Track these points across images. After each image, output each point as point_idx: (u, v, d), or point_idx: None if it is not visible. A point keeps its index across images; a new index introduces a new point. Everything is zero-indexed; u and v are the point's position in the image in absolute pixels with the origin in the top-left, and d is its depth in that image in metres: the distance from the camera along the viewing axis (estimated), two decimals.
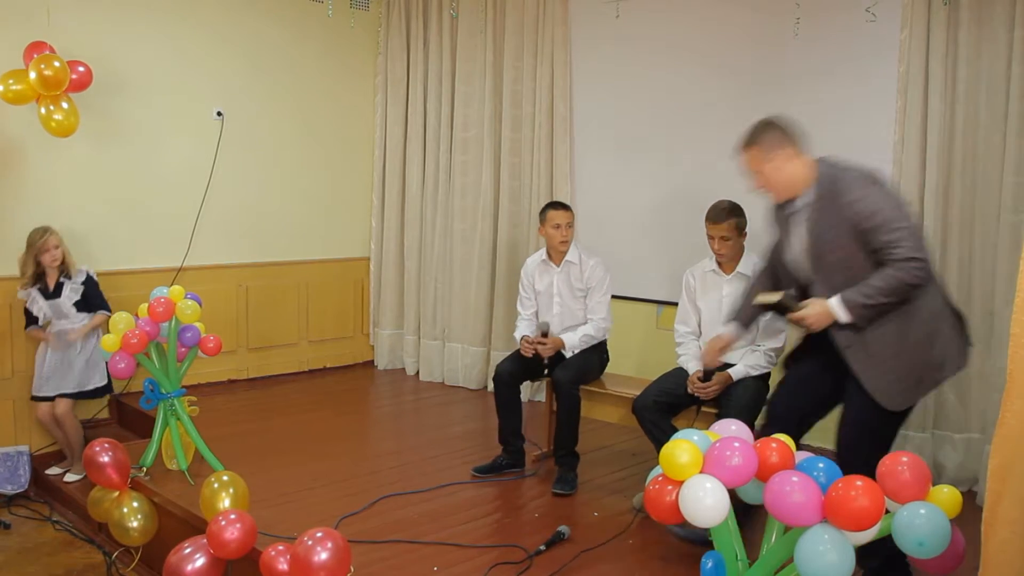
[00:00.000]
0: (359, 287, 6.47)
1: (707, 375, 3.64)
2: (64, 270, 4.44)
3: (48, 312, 4.40)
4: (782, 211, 2.97)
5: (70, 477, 4.51)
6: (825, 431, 4.44)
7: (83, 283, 4.47)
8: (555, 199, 4.91)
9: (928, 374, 2.76)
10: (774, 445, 2.35)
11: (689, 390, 3.70)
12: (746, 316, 3.29)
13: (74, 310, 4.44)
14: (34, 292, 4.39)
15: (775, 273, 3.12)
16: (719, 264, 3.89)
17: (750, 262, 3.83)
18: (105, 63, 4.88)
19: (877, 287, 2.63)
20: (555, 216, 4.21)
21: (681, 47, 4.90)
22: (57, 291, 4.41)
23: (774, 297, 2.87)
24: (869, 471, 2.23)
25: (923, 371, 2.75)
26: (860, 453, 2.67)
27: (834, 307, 2.71)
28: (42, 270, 4.40)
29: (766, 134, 2.89)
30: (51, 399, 4.41)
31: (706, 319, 3.95)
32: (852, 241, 2.69)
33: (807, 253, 2.84)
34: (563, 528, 3.45)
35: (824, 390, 2.95)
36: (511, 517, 3.72)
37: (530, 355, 4.11)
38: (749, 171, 2.93)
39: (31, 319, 4.44)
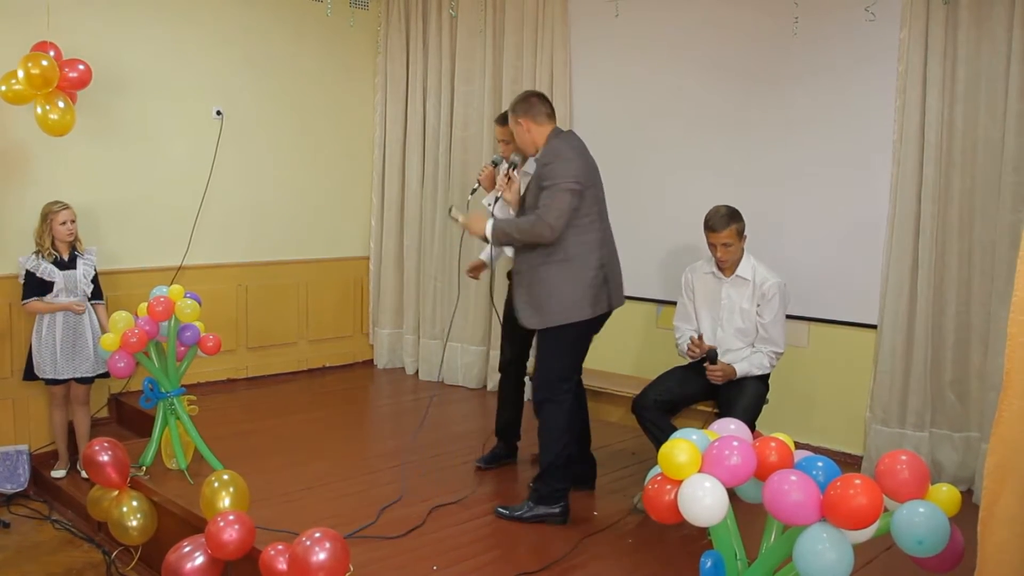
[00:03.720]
0: (358, 286, 6.47)
1: (712, 358, 3.73)
2: (76, 247, 4.49)
3: (61, 283, 4.37)
4: (519, 158, 3.82)
5: (57, 473, 4.53)
6: (826, 431, 4.46)
7: (94, 264, 4.53)
8: None
9: (553, 313, 3.48)
10: (773, 444, 2.35)
11: (688, 352, 3.84)
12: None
13: (92, 285, 4.48)
14: (43, 262, 4.36)
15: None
16: (719, 267, 3.89)
17: (749, 265, 3.83)
18: (105, 62, 4.88)
19: (517, 225, 3.46)
20: (496, 132, 4.26)
21: (681, 46, 4.90)
22: (72, 263, 4.43)
23: (455, 211, 3.72)
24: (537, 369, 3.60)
25: (550, 307, 3.48)
26: (540, 357, 3.61)
27: (487, 225, 3.49)
28: (55, 244, 4.41)
29: (519, 104, 3.59)
30: (64, 382, 4.42)
31: (705, 322, 3.96)
32: (540, 191, 3.42)
33: (524, 196, 3.63)
34: None
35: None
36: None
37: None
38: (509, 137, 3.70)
39: (38, 289, 4.36)
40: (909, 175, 4.03)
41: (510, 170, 3.82)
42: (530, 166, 3.80)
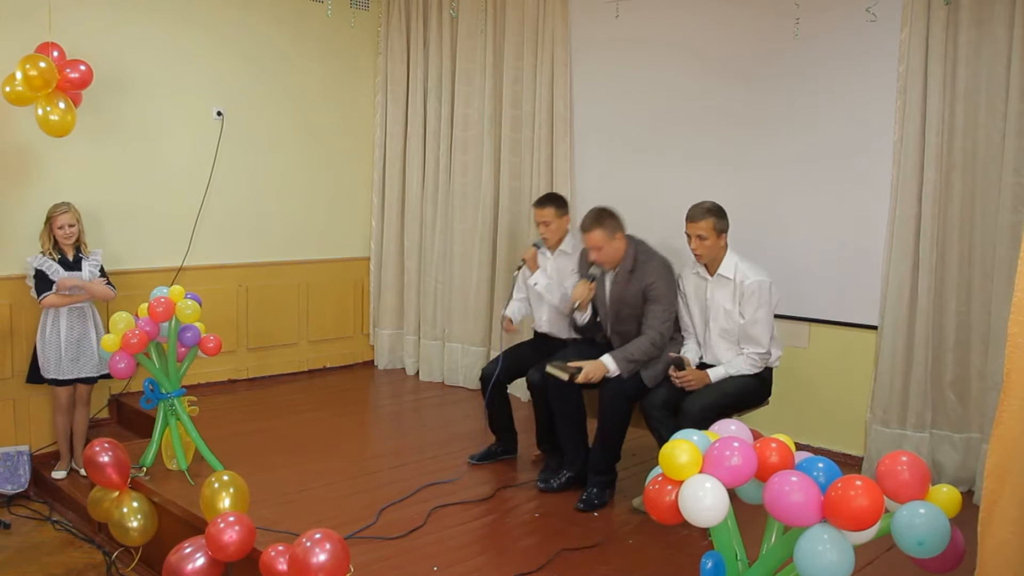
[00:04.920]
0: (359, 287, 6.47)
1: (678, 365, 3.75)
2: (79, 248, 4.49)
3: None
4: (600, 270, 4.03)
5: (58, 474, 4.53)
6: (826, 432, 4.46)
7: (100, 265, 4.54)
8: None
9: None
10: (773, 445, 2.35)
11: (672, 374, 3.79)
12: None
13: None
14: (51, 261, 4.36)
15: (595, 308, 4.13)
16: (702, 265, 3.88)
17: (732, 263, 3.80)
18: (106, 63, 4.88)
19: (640, 351, 3.82)
20: (535, 214, 4.41)
21: (681, 47, 4.90)
22: (77, 264, 4.44)
23: (563, 374, 3.82)
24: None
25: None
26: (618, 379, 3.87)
27: (607, 363, 3.80)
28: (58, 245, 4.41)
29: (608, 219, 3.88)
30: (68, 383, 4.42)
31: (697, 324, 3.95)
32: (641, 303, 3.91)
33: (612, 305, 4.01)
34: None
35: None
36: (511, 517, 3.72)
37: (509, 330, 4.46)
38: (594, 246, 3.90)
39: (46, 286, 4.35)
40: (909, 175, 4.03)
41: (591, 282, 4.00)
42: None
